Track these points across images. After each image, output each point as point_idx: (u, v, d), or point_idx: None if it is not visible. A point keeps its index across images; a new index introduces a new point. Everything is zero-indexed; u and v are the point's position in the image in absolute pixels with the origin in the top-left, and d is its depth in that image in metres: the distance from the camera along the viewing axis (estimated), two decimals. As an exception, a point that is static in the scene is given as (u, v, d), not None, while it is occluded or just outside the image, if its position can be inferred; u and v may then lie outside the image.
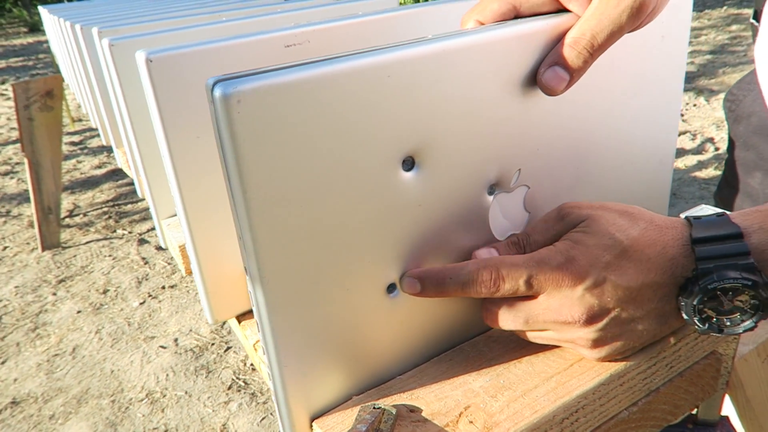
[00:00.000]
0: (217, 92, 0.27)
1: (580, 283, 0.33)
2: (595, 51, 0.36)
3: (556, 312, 0.34)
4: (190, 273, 0.64)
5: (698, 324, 0.34)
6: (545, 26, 0.36)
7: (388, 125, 0.32)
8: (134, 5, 1.45)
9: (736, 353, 0.46)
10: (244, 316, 0.55)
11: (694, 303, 0.33)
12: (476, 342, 0.41)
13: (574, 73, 0.36)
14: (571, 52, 0.35)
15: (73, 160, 3.58)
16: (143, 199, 2.89)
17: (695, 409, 0.48)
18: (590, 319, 0.34)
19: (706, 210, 0.65)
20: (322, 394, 0.36)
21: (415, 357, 0.39)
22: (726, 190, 0.76)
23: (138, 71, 0.60)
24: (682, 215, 0.37)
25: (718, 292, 0.33)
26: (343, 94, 0.30)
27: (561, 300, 0.34)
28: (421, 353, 0.40)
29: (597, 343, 0.35)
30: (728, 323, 0.34)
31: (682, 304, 0.34)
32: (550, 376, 0.37)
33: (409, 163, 0.34)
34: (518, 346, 0.40)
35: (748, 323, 0.34)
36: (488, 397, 0.36)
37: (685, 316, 0.34)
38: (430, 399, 0.36)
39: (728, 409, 0.51)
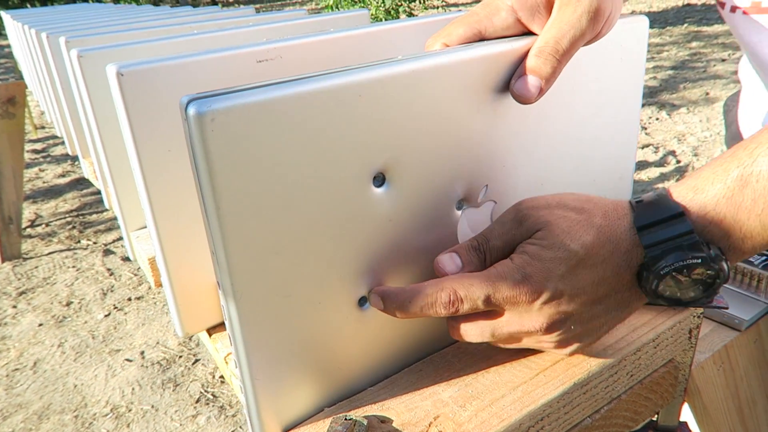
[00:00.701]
0: (191, 111, 0.28)
1: (537, 299, 0.34)
2: (561, 57, 0.37)
3: (519, 324, 0.36)
4: (159, 286, 0.63)
5: (663, 303, 0.35)
6: (511, 47, 0.38)
7: (360, 143, 0.33)
8: (100, 13, 1.43)
9: (693, 361, 0.48)
10: (215, 329, 0.55)
11: (653, 288, 0.34)
12: (445, 353, 0.42)
13: (544, 81, 0.37)
14: (537, 60, 0.37)
15: (36, 169, 3.49)
16: (109, 209, 2.83)
17: (655, 416, 0.49)
18: (551, 327, 0.35)
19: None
20: (293, 406, 0.37)
21: (385, 368, 0.40)
22: None
23: (107, 84, 0.60)
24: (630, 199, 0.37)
25: (673, 274, 0.34)
26: (316, 112, 0.31)
27: (521, 314, 0.35)
28: (392, 364, 0.40)
29: (562, 343, 0.37)
30: (692, 294, 0.35)
31: (642, 290, 0.35)
32: (517, 385, 0.38)
33: (379, 179, 0.35)
34: (485, 357, 0.41)
35: (709, 291, 0.35)
36: (457, 407, 0.37)
37: (648, 299, 0.36)
38: (401, 409, 0.37)
39: (687, 415, 0.53)
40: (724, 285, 0.51)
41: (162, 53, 0.60)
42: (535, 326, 0.35)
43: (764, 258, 0.57)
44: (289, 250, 0.33)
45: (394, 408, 0.37)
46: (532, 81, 0.37)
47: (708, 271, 0.34)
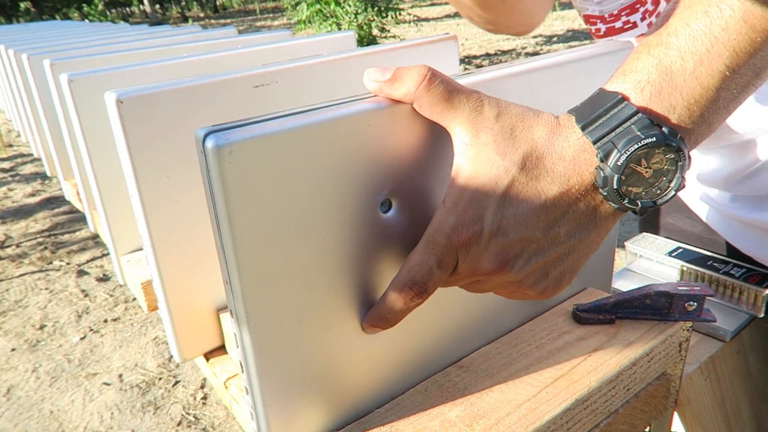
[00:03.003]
0: (210, 144, 0.28)
1: (479, 237, 0.32)
2: None
3: (471, 269, 0.33)
4: (153, 310, 0.63)
5: (630, 207, 0.32)
6: (509, 72, 0.39)
7: (368, 170, 0.34)
8: (77, 32, 1.42)
9: (683, 373, 0.50)
10: (212, 353, 0.54)
11: (615, 187, 0.31)
12: (448, 372, 0.43)
13: None
14: None
15: (4, 188, 3.41)
16: (82, 228, 2.78)
17: (648, 427, 0.51)
18: (505, 264, 0.33)
19: (648, 237, 0.69)
20: (304, 430, 0.37)
21: (390, 389, 0.41)
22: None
23: (99, 107, 0.60)
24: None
25: (632, 165, 0.31)
26: (328, 142, 0.32)
27: (472, 258, 0.33)
28: (397, 385, 0.41)
29: (531, 283, 0.34)
30: (658, 191, 0.33)
31: (604, 194, 0.32)
32: (521, 403, 0.39)
33: (386, 205, 0.36)
34: (488, 374, 0.42)
35: (675, 181, 0.33)
36: (464, 426, 0.37)
37: (614, 206, 0.33)
38: (409, 431, 0.38)
39: (677, 425, 0.55)
40: (709, 298, 0.53)
41: (154, 77, 0.60)
42: (488, 267, 0.33)
43: (744, 270, 0.59)
44: (301, 277, 0.33)
45: (403, 429, 0.38)
46: None
47: (668, 155, 0.32)
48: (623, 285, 0.64)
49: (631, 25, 0.53)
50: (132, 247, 0.67)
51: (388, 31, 6.38)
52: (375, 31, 6.26)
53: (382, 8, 6.01)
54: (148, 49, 0.78)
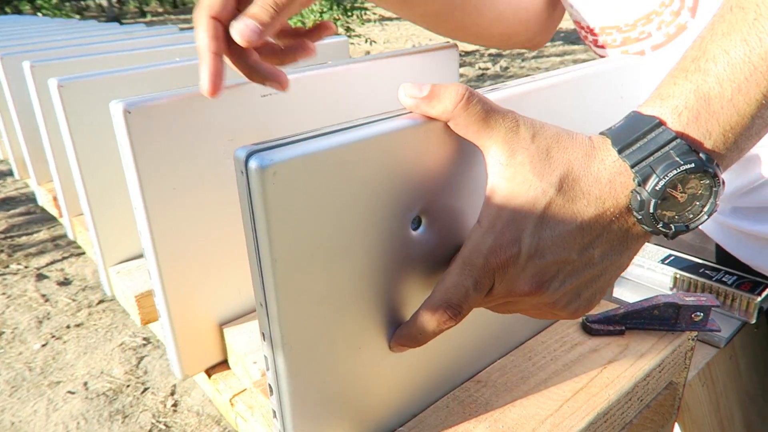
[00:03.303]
0: (253, 165, 0.27)
1: (517, 259, 0.32)
2: (279, 9, 0.41)
3: (507, 291, 0.33)
4: (146, 323, 0.61)
5: (664, 230, 0.33)
6: (542, 85, 0.39)
7: (403, 187, 0.33)
8: (45, 30, 1.36)
9: (686, 381, 0.51)
10: (214, 369, 0.53)
11: (651, 212, 0.32)
12: (467, 387, 0.43)
13: (263, 27, 0.41)
14: (258, 9, 0.41)
15: (-46, 188, 3.25)
16: (40, 231, 2.67)
17: (651, 434, 0.52)
18: (541, 286, 0.33)
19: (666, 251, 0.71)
20: (330, 452, 0.36)
21: (412, 407, 0.40)
22: None
23: (92, 116, 0.58)
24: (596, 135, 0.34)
25: (668, 190, 0.32)
26: (367, 159, 0.31)
27: (509, 280, 0.33)
28: (419, 402, 0.41)
29: (564, 305, 0.34)
30: (691, 216, 0.33)
31: (639, 218, 0.32)
32: (544, 418, 0.39)
33: (416, 222, 0.35)
34: (507, 389, 0.42)
35: (709, 206, 0.33)
36: (491, 443, 0.37)
37: (647, 229, 0.33)
38: (436, 449, 0.37)
39: None
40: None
41: (149, 83, 0.58)
42: (524, 289, 0.33)
43: (736, 277, 0.61)
44: (336, 298, 0.32)
45: (429, 448, 0.37)
46: (251, 24, 0.40)
47: (703, 181, 0.32)
48: (617, 292, 0.66)
49: (646, 35, 0.54)
50: (121, 258, 0.65)
51: (353, 30, 6.36)
52: (340, 30, 6.23)
53: (348, 7, 5.99)
54: (132, 51, 0.76)
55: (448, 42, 0.62)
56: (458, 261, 0.33)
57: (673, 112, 0.33)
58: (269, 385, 0.33)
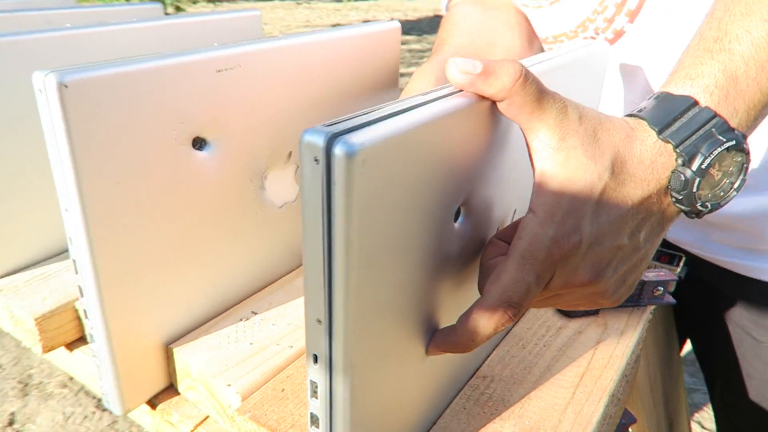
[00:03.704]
0: (340, 151, 0.22)
1: (578, 248, 0.30)
2: None
3: (567, 283, 0.31)
4: (48, 351, 0.49)
5: (701, 209, 0.33)
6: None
7: (453, 175, 0.30)
8: None
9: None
10: (158, 397, 0.44)
11: (694, 191, 0.32)
12: (475, 385, 0.40)
13: None
14: None
15: None
16: None
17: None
18: (599, 275, 0.31)
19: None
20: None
21: (431, 412, 0.37)
22: None
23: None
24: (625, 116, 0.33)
25: (710, 168, 0.31)
26: (432, 143, 0.27)
27: (568, 271, 0.31)
28: (436, 407, 0.37)
29: (612, 292, 0.33)
30: (722, 193, 0.33)
31: (679, 197, 0.32)
32: (563, 408, 0.38)
33: (456, 214, 0.32)
34: (514, 381, 0.41)
35: (739, 182, 0.33)
36: (525, 442, 0.36)
37: (683, 209, 0.33)
38: (472, 457, 0.35)
39: (623, 398, 0.60)
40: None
41: (74, 50, 0.47)
42: (583, 279, 0.31)
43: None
44: (393, 304, 0.28)
45: (465, 456, 0.35)
46: None
47: (737, 158, 0.32)
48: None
49: (590, 39, 0.56)
50: (2, 271, 0.52)
51: (184, 10, 5.95)
52: (170, 10, 5.79)
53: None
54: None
55: (392, 20, 0.59)
56: (515, 255, 0.30)
57: (705, 91, 0.33)
58: (312, 415, 0.28)
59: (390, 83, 0.58)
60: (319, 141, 0.22)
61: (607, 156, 0.31)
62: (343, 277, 0.24)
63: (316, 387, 0.27)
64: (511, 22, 0.62)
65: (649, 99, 0.34)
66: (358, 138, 0.22)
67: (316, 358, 0.26)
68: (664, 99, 0.33)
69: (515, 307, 0.30)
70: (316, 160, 0.22)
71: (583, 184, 0.30)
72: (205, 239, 0.44)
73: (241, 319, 0.47)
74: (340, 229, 0.23)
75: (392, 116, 0.25)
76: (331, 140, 0.22)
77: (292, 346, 0.43)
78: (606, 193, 0.31)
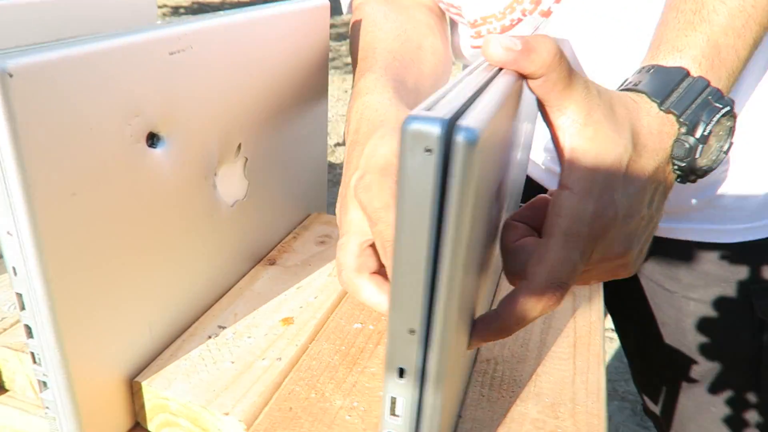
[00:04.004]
0: (461, 139, 0.19)
1: (615, 221, 0.30)
2: None
3: (604, 257, 0.31)
4: (6, 391, 0.40)
5: (699, 175, 0.34)
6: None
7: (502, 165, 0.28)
8: None
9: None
10: (123, 440, 0.38)
11: (696, 157, 0.33)
12: (482, 370, 0.40)
13: None
14: None
15: None
16: None
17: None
18: (631, 245, 0.32)
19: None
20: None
21: (458, 407, 0.36)
22: None
23: None
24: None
25: (710, 135, 0.33)
26: (505, 119, 0.25)
27: (606, 245, 0.31)
28: (460, 401, 0.36)
29: (634, 262, 0.34)
30: (714, 157, 0.35)
31: (682, 165, 0.33)
32: (572, 379, 0.39)
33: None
34: (517, 360, 0.40)
35: (727, 144, 0.35)
36: (554, 419, 0.35)
37: (681, 175, 0.34)
38: (509, 445, 0.34)
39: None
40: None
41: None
42: (618, 251, 0.31)
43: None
44: (471, 304, 0.26)
45: (502, 445, 0.34)
46: None
47: (728, 122, 0.33)
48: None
49: (517, 21, 0.56)
50: None
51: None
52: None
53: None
54: None
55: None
56: (557, 234, 0.30)
57: (694, 62, 0.35)
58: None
59: (320, 64, 0.55)
60: (435, 129, 0.19)
61: (627, 128, 0.31)
62: (449, 281, 0.21)
63: (396, 403, 0.24)
64: (429, 22, 0.61)
65: (640, 72, 0.35)
66: (468, 121, 0.20)
67: (402, 372, 0.23)
68: (658, 71, 0.35)
69: (564, 287, 0.30)
70: (428, 150, 0.19)
71: (614, 157, 0.30)
72: (163, 250, 0.38)
73: (209, 336, 0.41)
74: (451, 226, 0.20)
75: (477, 97, 0.22)
76: (451, 127, 0.19)
77: (280, 359, 0.39)
78: (630, 165, 0.31)
